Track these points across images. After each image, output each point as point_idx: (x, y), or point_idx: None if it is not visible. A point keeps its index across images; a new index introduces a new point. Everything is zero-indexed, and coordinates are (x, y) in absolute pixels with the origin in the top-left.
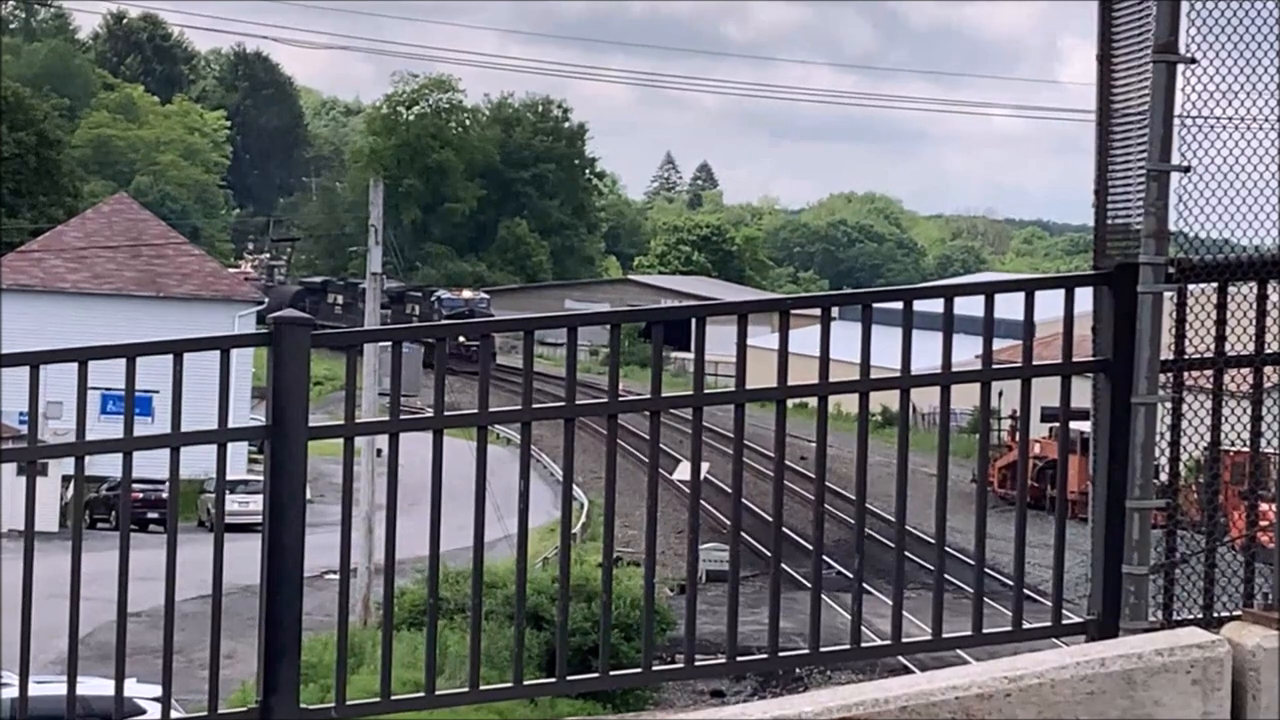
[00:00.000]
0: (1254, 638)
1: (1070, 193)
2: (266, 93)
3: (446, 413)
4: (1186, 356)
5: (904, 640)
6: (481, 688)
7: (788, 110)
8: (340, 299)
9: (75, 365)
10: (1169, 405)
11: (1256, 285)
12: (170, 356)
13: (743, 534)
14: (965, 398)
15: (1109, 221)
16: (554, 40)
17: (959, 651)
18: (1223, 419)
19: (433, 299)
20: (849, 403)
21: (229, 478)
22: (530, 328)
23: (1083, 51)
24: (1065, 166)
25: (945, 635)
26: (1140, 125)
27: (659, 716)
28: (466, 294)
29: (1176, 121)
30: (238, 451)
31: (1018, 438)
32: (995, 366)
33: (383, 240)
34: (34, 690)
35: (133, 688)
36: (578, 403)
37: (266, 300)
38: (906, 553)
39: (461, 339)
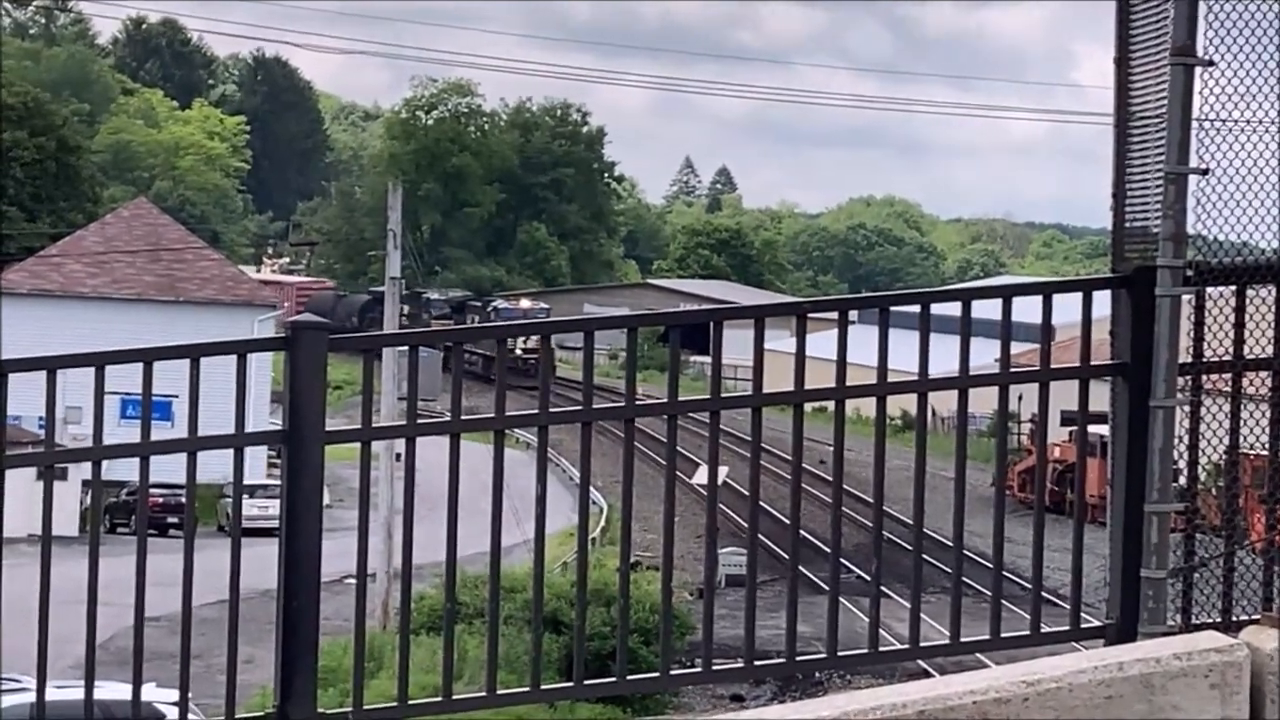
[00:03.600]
0: (1272, 641)
1: (1089, 196)
2: (285, 98)
3: (464, 417)
4: (1205, 360)
5: (922, 644)
6: (499, 692)
7: (803, 115)
8: (406, 308)
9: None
10: (1187, 409)
11: (1275, 288)
12: (189, 361)
13: (761, 538)
14: (984, 401)
15: (1127, 225)
16: (567, 45)
17: (977, 655)
18: (1241, 422)
19: (490, 309)
20: (867, 406)
21: (248, 482)
22: (548, 332)
23: (1097, 55)
24: (1084, 169)
25: (963, 639)
26: (1158, 128)
27: None
28: (525, 304)
29: (1194, 124)
30: (257, 456)
31: (1036, 441)
32: (1013, 370)
33: (402, 245)
34: (52, 695)
35: (151, 692)
36: (595, 406)
37: (302, 306)
38: (925, 556)
39: (519, 350)
